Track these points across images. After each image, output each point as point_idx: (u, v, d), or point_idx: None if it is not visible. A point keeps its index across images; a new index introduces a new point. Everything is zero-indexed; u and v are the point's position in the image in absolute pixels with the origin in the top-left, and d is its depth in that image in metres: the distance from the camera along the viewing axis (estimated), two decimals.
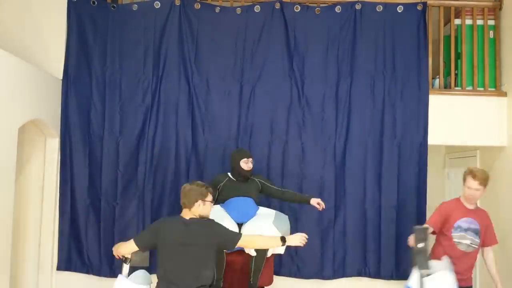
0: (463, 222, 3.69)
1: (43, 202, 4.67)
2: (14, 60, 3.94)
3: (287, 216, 4.17)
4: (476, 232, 3.70)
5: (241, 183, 4.20)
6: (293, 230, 4.29)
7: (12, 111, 3.89)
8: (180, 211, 3.32)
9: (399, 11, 4.81)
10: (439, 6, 4.90)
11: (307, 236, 3.38)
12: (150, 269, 3.49)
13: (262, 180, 4.29)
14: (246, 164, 4.18)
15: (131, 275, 3.50)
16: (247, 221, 3.97)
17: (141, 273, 3.46)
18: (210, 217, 3.48)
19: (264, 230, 3.80)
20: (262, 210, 4.13)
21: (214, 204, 4.20)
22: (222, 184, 4.22)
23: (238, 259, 3.99)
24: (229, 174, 4.28)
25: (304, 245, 3.39)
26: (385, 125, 4.74)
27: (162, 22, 4.78)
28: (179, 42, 4.77)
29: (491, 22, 4.88)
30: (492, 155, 4.83)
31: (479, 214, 3.77)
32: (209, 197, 3.35)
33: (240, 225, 3.97)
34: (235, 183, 4.20)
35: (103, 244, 4.65)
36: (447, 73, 5.03)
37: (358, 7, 4.80)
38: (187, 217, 3.27)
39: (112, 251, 4.64)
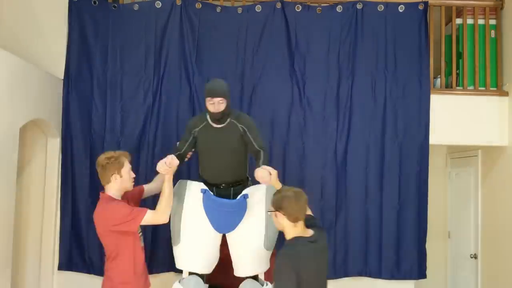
0: None
1: (44, 202, 4.67)
2: (15, 60, 3.94)
3: None
4: None
5: (218, 130, 3.58)
6: None
7: (13, 111, 3.89)
8: None
9: (401, 11, 4.80)
10: (440, 6, 4.90)
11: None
12: None
13: (245, 127, 3.60)
14: (212, 106, 3.45)
15: (182, 281, 3.49)
16: (233, 229, 3.57)
17: (193, 280, 3.46)
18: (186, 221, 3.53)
19: (256, 264, 3.58)
20: (250, 206, 3.55)
21: (192, 153, 3.84)
22: (197, 129, 3.67)
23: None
24: (207, 116, 3.63)
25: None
26: (386, 125, 4.73)
27: (163, 21, 4.77)
28: (180, 42, 4.77)
29: (492, 22, 4.88)
30: (493, 155, 4.83)
31: None
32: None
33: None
34: (211, 129, 3.60)
35: None
36: (449, 73, 5.03)
37: (359, 6, 4.80)
38: None
39: None
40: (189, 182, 3.82)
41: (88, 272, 4.67)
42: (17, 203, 4.29)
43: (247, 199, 3.57)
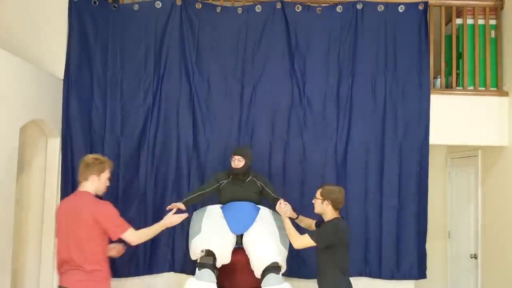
0: None
1: (44, 202, 4.67)
2: (15, 60, 3.94)
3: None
4: None
5: (240, 184, 4.19)
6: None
7: (14, 111, 3.89)
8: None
9: (400, 11, 4.81)
10: (440, 6, 4.90)
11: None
12: None
13: (263, 183, 4.26)
14: (233, 162, 4.16)
15: (197, 274, 3.73)
16: (247, 229, 3.96)
17: (206, 272, 3.69)
18: (208, 220, 3.94)
19: (273, 252, 3.82)
20: (261, 215, 4.08)
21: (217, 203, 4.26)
22: (224, 182, 4.24)
23: (238, 259, 3.98)
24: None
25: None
26: (386, 125, 4.73)
27: (163, 22, 4.78)
28: (180, 42, 4.77)
29: (492, 22, 4.88)
30: (493, 155, 4.83)
31: None
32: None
33: (239, 237, 3.98)
34: (234, 182, 4.20)
35: None
36: (449, 73, 5.03)
37: (359, 6, 4.80)
38: None
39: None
40: (208, 206, 4.27)
41: None
42: (17, 203, 4.29)
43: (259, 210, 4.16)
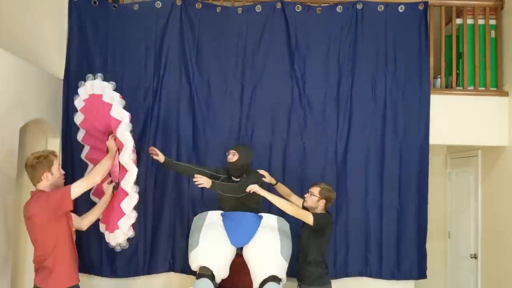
0: None
1: None
2: (15, 61, 3.93)
3: (288, 225, 4.17)
4: None
5: (234, 181, 4.14)
6: (294, 232, 4.28)
7: (14, 112, 3.89)
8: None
9: (401, 11, 4.81)
10: (440, 6, 4.91)
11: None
12: None
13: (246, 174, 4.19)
14: (228, 156, 4.13)
15: (194, 283, 3.71)
16: (247, 242, 3.91)
17: (204, 281, 3.68)
18: (207, 230, 3.95)
19: (273, 265, 3.78)
20: (264, 224, 4.02)
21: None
22: (222, 177, 4.18)
23: (238, 261, 3.96)
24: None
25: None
26: (386, 125, 4.73)
27: (163, 22, 4.78)
28: (180, 42, 4.77)
29: (492, 22, 4.89)
30: (493, 155, 4.83)
31: None
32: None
33: (240, 249, 3.95)
34: (230, 180, 4.15)
35: (104, 244, 4.63)
36: (449, 73, 5.03)
37: (359, 6, 4.80)
38: None
39: (113, 252, 4.66)
40: (210, 212, 4.13)
41: (88, 272, 4.66)
42: (17, 203, 4.29)
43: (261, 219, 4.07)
